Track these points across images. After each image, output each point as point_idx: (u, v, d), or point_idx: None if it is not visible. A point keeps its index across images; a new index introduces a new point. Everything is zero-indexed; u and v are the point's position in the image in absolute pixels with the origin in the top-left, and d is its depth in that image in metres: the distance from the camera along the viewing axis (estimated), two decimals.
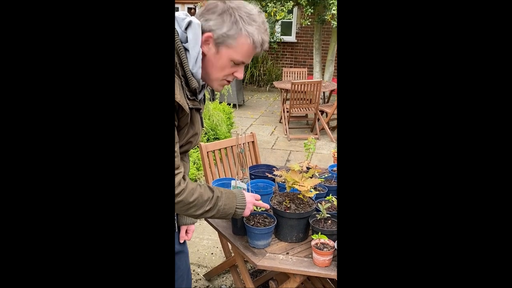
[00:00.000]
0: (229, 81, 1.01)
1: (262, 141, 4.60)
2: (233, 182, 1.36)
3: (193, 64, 0.93)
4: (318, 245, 1.21)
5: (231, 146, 1.99)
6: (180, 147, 1.00)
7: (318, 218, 1.32)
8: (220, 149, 1.96)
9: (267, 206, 1.23)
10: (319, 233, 1.24)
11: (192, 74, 0.94)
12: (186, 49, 0.94)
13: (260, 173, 1.70)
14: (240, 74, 0.99)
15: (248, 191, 1.33)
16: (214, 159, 1.93)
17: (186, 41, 0.93)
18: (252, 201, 1.17)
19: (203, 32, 0.92)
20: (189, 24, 0.91)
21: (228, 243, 1.89)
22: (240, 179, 1.39)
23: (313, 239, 1.23)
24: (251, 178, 1.55)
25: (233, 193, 1.11)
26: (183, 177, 0.96)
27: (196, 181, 3.15)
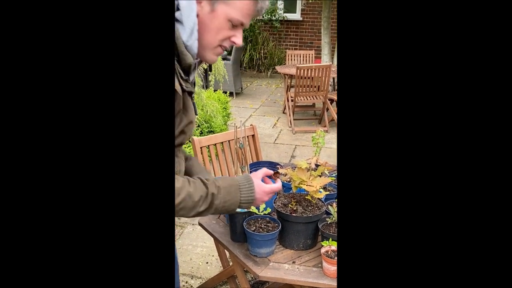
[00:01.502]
0: (224, 48, 0.96)
1: (263, 134, 4.60)
2: None
3: (188, 36, 0.89)
4: (329, 253, 1.21)
5: (228, 141, 1.99)
6: None
7: (328, 222, 1.33)
8: (215, 144, 1.96)
9: (279, 186, 1.09)
10: (330, 239, 1.24)
11: (186, 48, 0.90)
12: (176, 20, 0.89)
13: None
14: (238, 40, 0.94)
15: None
16: (209, 156, 1.93)
17: (177, 10, 0.89)
18: (264, 192, 1.04)
19: None
20: None
21: (226, 251, 1.90)
22: None
23: (323, 246, 1.24)
24: None
25: (236, 185, 1.00)
26: None
27: None
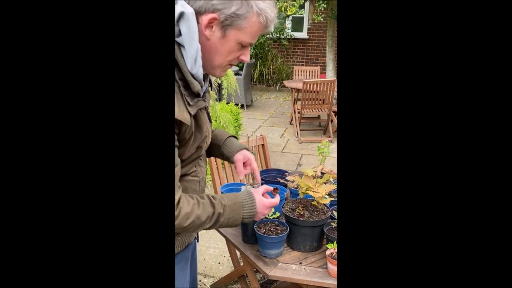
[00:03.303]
0: (232, 65, 0.95)
1: (271, 144, 4.61)
2: (243, 188, 1.37)
3: (192, 64, 0.85)
4: (333, 255, 1.21)
5: None
6: (189, 156, 0.95)
7: (333, 226, 1.33)
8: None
9: (277, 201, 1.09)
10: (334, 242, 1.24)
11: (192, 76, 0.86)
12: (180, 45, 0.84)
13: (271, 178, 1.72)
14: (246, 57, 0.92)
15: None
16: (222, 163, 1.95)
17: (179, 35, 0.84)
18: (264, 206, 1.04)
19: (204, 12, 0.84)
20: (181, 15, 0.82)
21: (237, 252, 1.90)
22: (250, 184, 1.41)
23: (328, 248, 1.24)
24: (262, 183, 1.56)
25: (239, 203, 1.00)
26: (178, 202, 0.89)
27: None
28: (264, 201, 1.04)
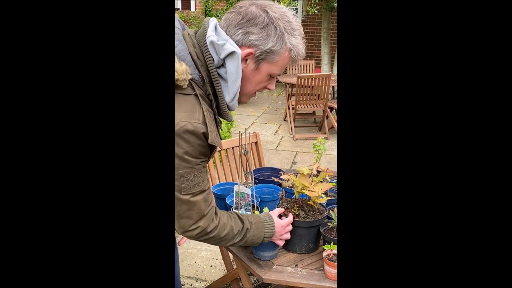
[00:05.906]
0: (256, 93, 1.06)
1: (265, 141, 4.60)
2: (236, 187, 1.36)
3: (231, 99, 0.97)
4: (330, 256, 1.21)
5: (232, 147, 2.00)
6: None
7: (330, 226, 1.33)
8: (219, 151, 1.97)
9: (291, 219, 1.24)
10: (331, 243, 1.24)
11: (227, 106, 0.99)
12: (220, 76, 0.95)
13: (265, 177, 1.71)
14: (272, 86, 1.03)
15: (252, 196, 1.34)
16: (213, 161, 1.93)
17: (220, 66, 0.95)
18: (282, 226, 1.20)
19: (241, 46, 0.93)
20: (231, 53, 0.91)
21: (230, 254, 1.90)
22: (243, 184, 1.40)
23: (324, 249, 1.24)
24: (255, 183, 1.56)
25: (262, 222, 1.16)
26: (215, 212, 1.03)
27: None
28: (280, 222, 1.20)
